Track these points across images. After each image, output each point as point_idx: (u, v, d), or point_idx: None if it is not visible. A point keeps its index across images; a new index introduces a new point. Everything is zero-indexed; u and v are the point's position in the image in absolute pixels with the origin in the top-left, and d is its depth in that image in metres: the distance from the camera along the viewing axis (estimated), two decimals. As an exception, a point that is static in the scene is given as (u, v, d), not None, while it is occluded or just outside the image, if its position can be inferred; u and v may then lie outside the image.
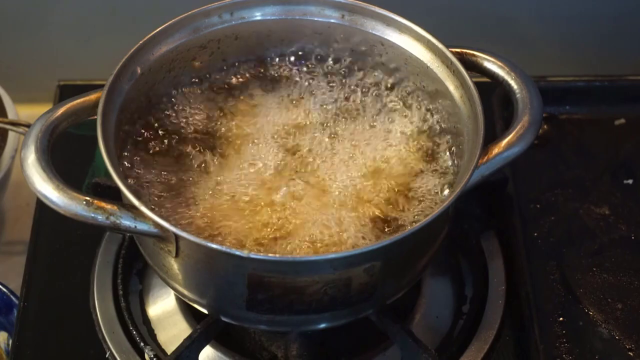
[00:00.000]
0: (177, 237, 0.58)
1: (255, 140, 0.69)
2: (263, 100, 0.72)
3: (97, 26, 0.93)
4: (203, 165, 0.67)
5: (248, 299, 0.60)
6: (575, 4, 0.92)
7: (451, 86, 0.67)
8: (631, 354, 0.70)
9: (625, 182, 0.81)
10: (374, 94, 0.73)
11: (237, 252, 0.56)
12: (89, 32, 0.93)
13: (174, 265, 0.62)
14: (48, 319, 0.72)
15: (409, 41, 0.69)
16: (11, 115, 0.83)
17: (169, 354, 0.68)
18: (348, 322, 0.66)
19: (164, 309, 0.73)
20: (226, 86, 0.73)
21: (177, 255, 0.60)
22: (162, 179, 0.66)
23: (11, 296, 0.74)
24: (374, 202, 0.65)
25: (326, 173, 0.67)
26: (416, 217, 0.64)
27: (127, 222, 0.58)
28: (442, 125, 0.70)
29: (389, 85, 0.73)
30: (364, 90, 0.73)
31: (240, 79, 0.73)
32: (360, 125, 0.71)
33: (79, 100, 0.64)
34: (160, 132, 0.69)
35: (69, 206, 0.58)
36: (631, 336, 0.71)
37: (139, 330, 0.70)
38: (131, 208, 0.58)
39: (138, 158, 0.67)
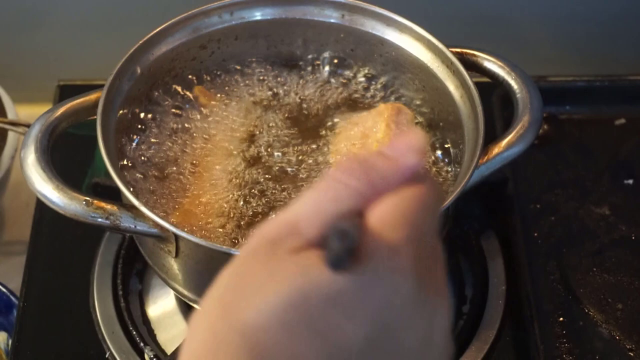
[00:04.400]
0: (177, 237, 0.58)
1: (256, 140, 0.69)
2: (262, 101, 0.72)
3: (97, 26, 0.93)
4: (201, 164, 0.67)
5: (248, 299, 0.60)
6: (575, 3, 0.91)
7: (451, 86, 0.67)
8: (631, 354, 0.70)
9: (625, 182, 0.81)
10: (373, 93, 0.72)
11: (238, 253, 0.56)
12: (89, 32, 0.93)
13: (174, 265, 0.62)
14: (48, 319, 0.72)
15: (409, 41, 0.69)
16: (11, 115, 0.83)
17: (169, 354, 0.67)
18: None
19: (164, 309, 0.73)
20: (226, 87, 0.73)
21: (177, 255, 0.60)
22: (162, 179, 0.66)
23: (11, 296, 0.74)
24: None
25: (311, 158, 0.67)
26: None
27: (126, 222, 0.58)
28: (442, 125, 0.70)
29: (389, 85, 0.72)
30: (364, 90, 0.73)
31: (240, 79, 0.73)
32: (360, 125, 0.70)
33: (78, 100, 0.64)
34: (160, 132, 0.69)
35: (69, 206, 0.58)
36: (632, 336, 0.71)
37: (138, 330, 0.70)
38: (131, 208, 0.58)
39: (138, 158, 0.67)
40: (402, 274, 0.35)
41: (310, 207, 0.37)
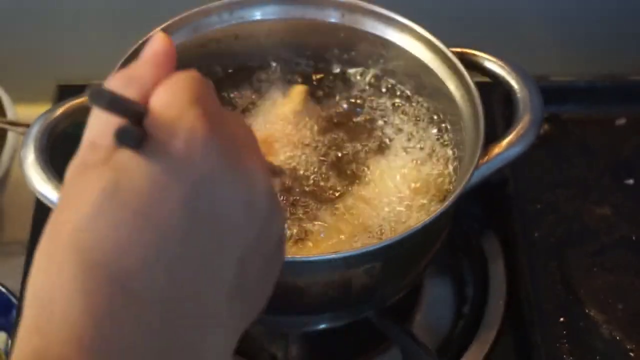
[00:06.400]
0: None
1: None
2: (262, 101, 0.72)
3: (97, 26, 0.93)
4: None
5: (248, 300, 0.60)
6: (577, 3, 0.91)
7: (452, 86, 0.67)
8: (632, 354, 0.70)
9: (626, 182, 0.81)
10: (373, 94, 0.72)
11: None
12: (88, 32, 0.93)
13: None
14: (47, 319, 0.72)
15: (410, 41, 0.69)
16: (10, 115, 0.83)
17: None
18: (348, 323, 0.66)
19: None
20: (226, 87, 0.72)
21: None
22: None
23: (10, 297, 0.74)
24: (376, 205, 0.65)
25: (325, 181, 0.66)
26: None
27: (126, 222, 0.58)
28: (442, 125, 0.70)
29: (389, 86, 0.72)
30: (363, 90, 0.72)
31: (240, 80, 0.73)
32: (360, 126, 0.70)
33: (78, 101, 0.64)
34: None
35: (68, 206, 0.58)
36: (632, 337, 0.71)
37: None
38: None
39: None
40: (195, 131, 0.36)
41: (99, 118, 0.38)
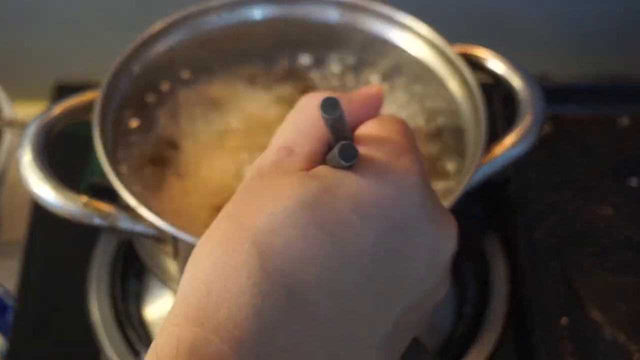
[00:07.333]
0: (175, 238, 0.57)
1: (255, 139, 0.69)
2: (261, 101, 0.71)
3: (95, 25, 0.93)
4: (200, 163, 0.67)
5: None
6: (579, 2, 0.91)
7: (453, 85, 0.67)
8: (635, 355, 0.70)
9: (628, 182, 0.81)
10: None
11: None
12: (86, 31, 0.93)
13: (174, 266, 0.61)
14: (44, 320, 0.72)
15: (411, 39, 0.69)
16: (7, 115, 0.83)
17: (167, 356, 0.67)
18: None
19: (162, 311, 0.73)
20: (225, 86, 0.72)
21: (176, 256, 0.59)
22: (160, 180, 0.65)
23: (6, 298, 0.74)
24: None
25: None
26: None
27: (124, 223, 0.58)
28: (444, 125, 0.69)
29: (390, 85, 0.72)
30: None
31: (240, 79, 0.73)
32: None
33: (76, 100, 0.64)
34: (159, 130, 0.68)
35: (66, 207, 0.58)
36: (634, 337, 0.71)
37: (136, 332, 0.70)
38: (128, 209, 0.58)
39: (136, 157, 0.66)
40: (411, 172, 0.36)
41: (297, 127, 0.37)
